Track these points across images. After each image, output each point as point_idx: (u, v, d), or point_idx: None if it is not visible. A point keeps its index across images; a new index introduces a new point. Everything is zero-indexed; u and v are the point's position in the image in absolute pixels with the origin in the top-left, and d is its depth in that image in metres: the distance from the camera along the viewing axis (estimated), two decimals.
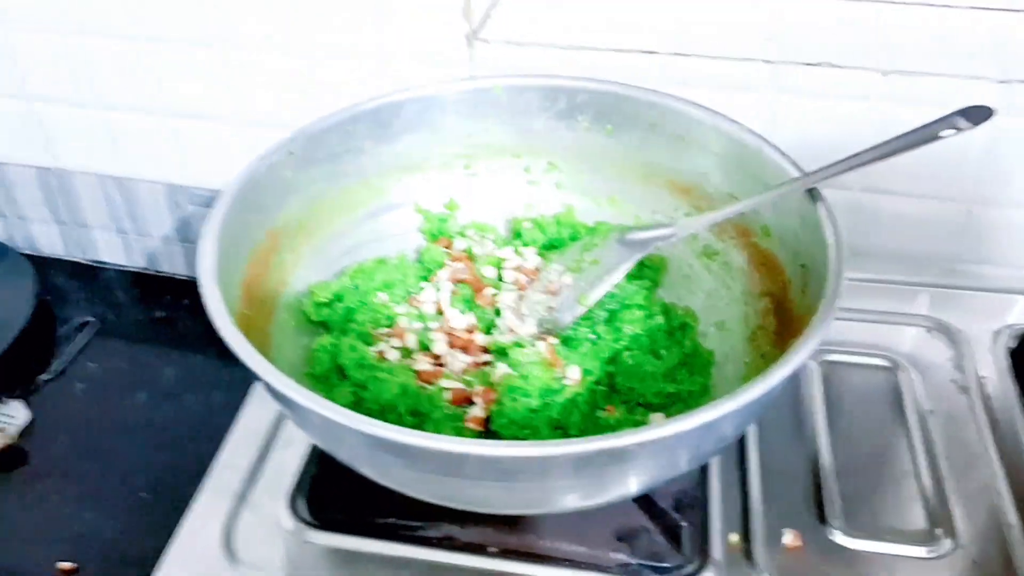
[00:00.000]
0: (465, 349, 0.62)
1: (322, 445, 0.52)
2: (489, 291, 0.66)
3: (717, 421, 0.44)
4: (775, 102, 0.71)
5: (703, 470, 0.60)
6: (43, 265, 0.96)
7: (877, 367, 0.69)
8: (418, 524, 0.58)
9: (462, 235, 0.71)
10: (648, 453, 0.45)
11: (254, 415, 0.67)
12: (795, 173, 0.57)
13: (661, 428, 0.43)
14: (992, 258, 0.77)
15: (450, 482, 0.47)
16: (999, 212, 0.75)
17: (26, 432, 0.76)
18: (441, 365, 0.61)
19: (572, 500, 0.48)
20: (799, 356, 0.46)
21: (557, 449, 0.43)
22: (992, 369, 0.68)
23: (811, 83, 0.69)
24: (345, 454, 0.50)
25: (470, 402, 0.58)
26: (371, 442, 0.44)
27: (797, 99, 0.70)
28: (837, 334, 0.68)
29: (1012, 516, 0.58)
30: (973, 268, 0.76)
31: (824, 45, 0.70)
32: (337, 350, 0.60)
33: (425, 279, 0.68)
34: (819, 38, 0.71)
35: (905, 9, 0.74)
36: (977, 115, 0.51)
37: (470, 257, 0.69)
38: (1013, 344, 0.70)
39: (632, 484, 0.48)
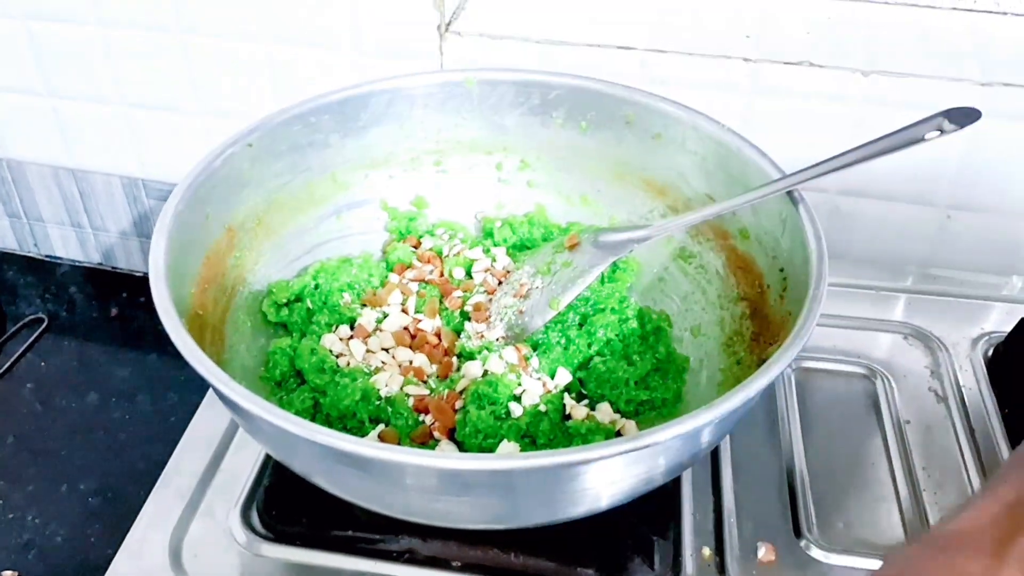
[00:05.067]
0: (430, 354, 0.60)
1: (275, 455, 0.50)
2: (458, 294, 0.63)
3: (693, 432, 0.42)
4: (753, 101, 0.69)
5: (675, 481, 0.58)
6: None
7: (853, 374, 0.68)
8: (378, 537, 0.55)
9: (431, 234, 0.68)
10: (618, 466, 0.43)
11: (209, 417, 0.64)
12: (776, 174, 0.55)
13: (633, 440, 0.41)
14: (970, 263, 0.76)
15: (408, 495, 0.45)
16: (978, 217, 0.74)
17: None
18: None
19: (538, 515, 0.46)
20: (779, 365, 0.44)
21: (519, 462, 0.40)
22: (970, 377, 0.67)
23: (790, 82, 0.68)
24: (299, 465, 0.47)
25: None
26: (324, 453, 0.42)
27: (776, 98, 0.69)
28: (812, 340, 0.66)
29: None
30: (951, 274, 0.75)
31: (804, 44, 0.69)
32: (295, 353, 0.58)
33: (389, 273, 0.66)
34: (799, 37, 0.70)
35: (887, 9, 0.73)
36: (963, 117, 0.50)
37: (439, 257, 0.67)
38: (991, 352, 0.69)
39: (602, 498, 0.46)
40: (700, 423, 0.42)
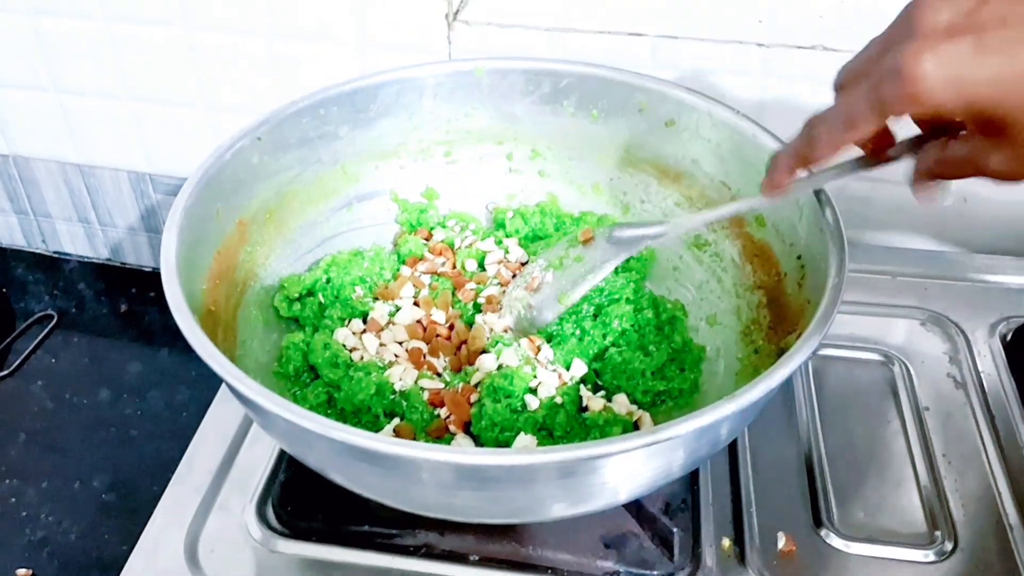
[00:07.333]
0: (444, 348, 0.59)
1: (290, 451, 0.49)
2: (471, 286, 0.63)
3: (714, 424, 0.41)
4: (767, 86, 0.68)
5: (693, 472, 0.58)
6: (2, 256, 0.93)
7: (870, 361, 0.67)
8: (395, 532, 0.55)
9: (442, 226, 0.68)
10: (638, 460, 0.43)
11: (222, 412, 0.63)
12: None
13: (654, 433, 0.40)
14: (988, 247, 0.75)
15: (424, 490, 0.44)
16: (995, 201, 0.73)
17: None
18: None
19: (557, 509, 0.46)
20: (801, 354, 0.43)
21: (539, 457, 0.40)
22: (989, 363, 0.66)
23: (804, 67, 0.67)
24: (314, 460, 0.47)
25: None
26: (339, 449, 0.41)
27: (789, 83, 0.68)
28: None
29: (1014, 516, 0.56)
30: (968, 258, 0.75)
31: (817, 28, 0.68)
32: (309, 348, 0.57)
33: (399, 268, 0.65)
34: (812, 21, 0.69)
35: None
36: None
37: (451, 249, 0.66)
38: (1009, 337, 0.68)
39: (620, 492, 0.46)
40: (721, 415, 0.41)
